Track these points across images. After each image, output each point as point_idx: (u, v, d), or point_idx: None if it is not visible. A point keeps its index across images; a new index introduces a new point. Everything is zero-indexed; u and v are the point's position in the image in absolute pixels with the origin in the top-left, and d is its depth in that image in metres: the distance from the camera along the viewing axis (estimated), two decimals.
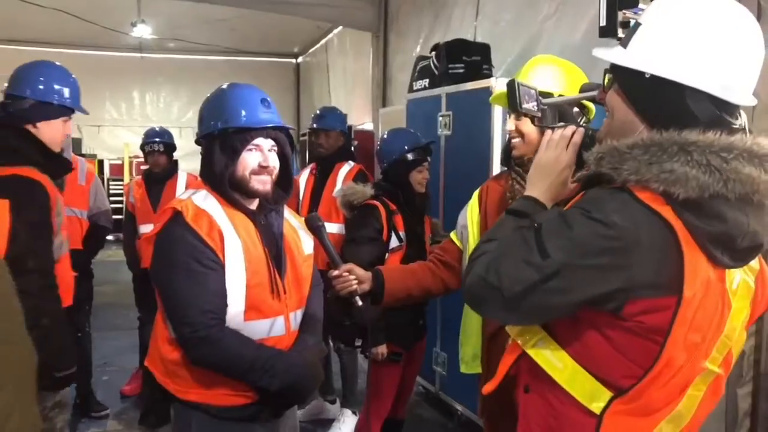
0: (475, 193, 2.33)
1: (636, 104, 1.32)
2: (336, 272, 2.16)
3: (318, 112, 4.52)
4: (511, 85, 1.66)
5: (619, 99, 1.35)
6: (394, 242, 3.22)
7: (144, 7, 9.40)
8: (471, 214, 2.28)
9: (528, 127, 2.08)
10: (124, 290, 5.76)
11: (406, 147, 3.31)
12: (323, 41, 10.83)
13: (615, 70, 1.36)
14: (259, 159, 2.04)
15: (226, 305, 1.95)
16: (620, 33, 1.47)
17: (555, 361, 1.37)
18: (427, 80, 4.87)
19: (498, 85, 3.69)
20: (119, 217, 11.62)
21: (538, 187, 1.54)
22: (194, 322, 1.90)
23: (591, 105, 2.15)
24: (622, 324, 1.27)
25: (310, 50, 11.97)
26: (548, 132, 1.56)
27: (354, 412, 4.27)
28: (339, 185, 4.21)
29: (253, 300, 1.99)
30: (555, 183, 1.53)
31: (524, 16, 4.96)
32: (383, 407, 3.34)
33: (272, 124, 2.04)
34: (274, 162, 2.07)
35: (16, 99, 2.53)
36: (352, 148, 4.78)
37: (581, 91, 1.76)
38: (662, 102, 1.28)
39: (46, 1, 8.71)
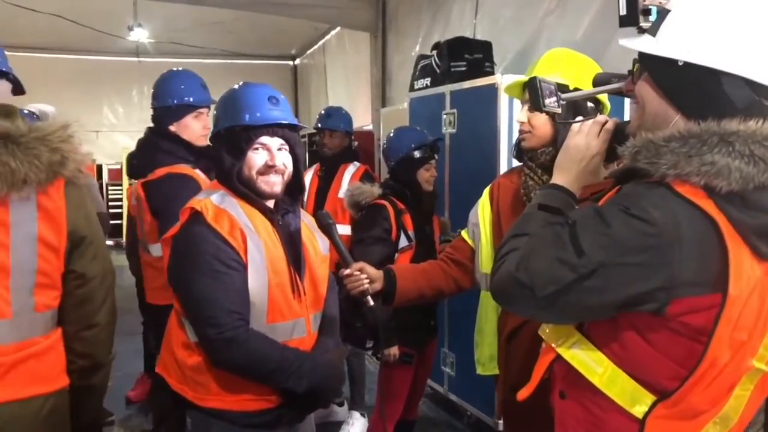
0: (486, 191, 2.29)
1: (669, 94, 1.28)
2: (347, 271, 2.12)
3: (323, 111, 4.49)
4: (533, 84, 1.62)
5: (650, 89, 1.31)
6: (403, 242, 3.18)
7: (140, 10, 9.33)
8: (482, 212, 2.24)
9: (539, 119, 2.05)
10: (125, 295, 5.69)
11: (412, 145, 3.28)
12: (321, 43, 10.78)
13: (645, 59, 1.32)
14: (265, 158, 2.00)
15: (249, 307, 1.92)
16: (642, 21, 1.43)
17: (593, 364, 1.33)
18: (429, 79, 4.86)
19: (504, 81, 3.65)
20: (118, 222, 11.61)
21: (566, 174, 1.51)
22: (220, 323, 1.86)
23: (605, 99, 2.12)
24: (664, 324, 1.23)
25: (308, 52, 11.91)
26: (575, 125, 1.53)
27: (363, 415, 4.23)
28: (345, 186, 4.18)
29: (275, 301, 1.96)
30: (585, 171, 1.49)
31: (524, 13, 4.94)
32: (396, 409, 3.30)
33: (278, 120, 1.99)
34: (284, 161, 2.02)
35: (156, 109, 3.09)
36: (353, 148, 4.74)
37: (595, 83, 1.72)
38: (697, 90, 1.24)
39: (42, 6, 8.65)
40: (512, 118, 3.65)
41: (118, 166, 12.42)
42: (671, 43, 1.26)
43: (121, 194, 11.27)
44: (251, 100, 2.01)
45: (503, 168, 3.68)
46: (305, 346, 2.04)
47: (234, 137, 1.97)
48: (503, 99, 3.68)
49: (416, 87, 4.98)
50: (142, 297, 4.79)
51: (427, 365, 3.49)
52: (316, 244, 2.17)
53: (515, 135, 3.67)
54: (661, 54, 1.27)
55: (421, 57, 5.13)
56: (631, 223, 1.20)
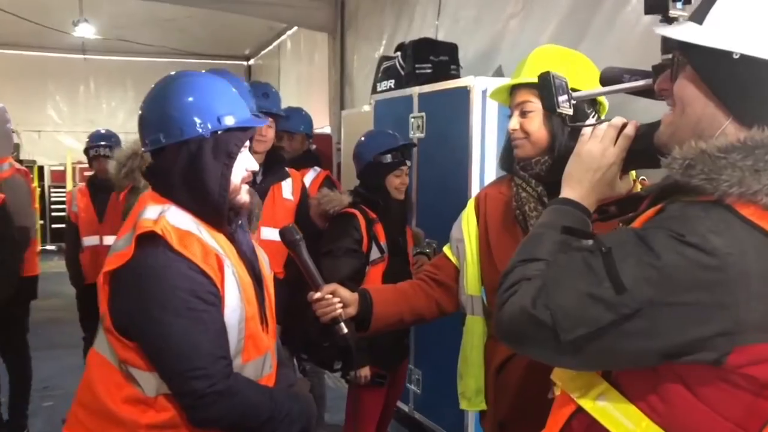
0: (471, 202, 2.06)
1: (720, 94, 1.06)
2: (317, 294, 1.86)
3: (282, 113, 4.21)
4: (546, 80, 1.39)
5: (694, 88, 1.08)
6: (375, 253, 2.95)
7: (86, 5, 8.96)
8: (467, 226, 2.01)
9: (533, 124, 1.83)
10: (66, 305, 5.37)
11: (381, 149, 3.04)
12: (276, 43, 10.56)
13: (688, 52, 1.09)
14: (246, 163, 1.70)
15: (229, 347, 1.61)
16: (672, 8, 1.21)
17: (625, 421, 1.08)
18: (393, 81, 4.71)
19: (477, 84, 3.46)
20: (60, 226, 11.14)
21: (578, 186, 1.29)
22: (211, 374, 1.53)
23: (604, 100, 1.91)
24: (721, 376, 1.00)
25: (262, 52, 11.69)
26: (586, 129, 1.31)
27: None
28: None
29: (250, 336, 1.65)
30: (600, 182, 1.28)
31: (487, 15, 4.82)
32: None
33: (266, 121, 1.75)
34: (256, 164, 1.75)
35: None
36: (312, 152, 4.50)
37: (603, 80, 1.50)
38: (756, 89, 1.03)
39: None
40: (485, 122, 3.47)
41: (62, 168, 11.90)
42: (723, 31, 1.04)
43: (65, 197, 10.76)
44: (228, 95, 1.69)
45: (475, 175, 3.49)
46: (271, 381, 1.77)
47: (220, 141, 1.63)
48: (476, 102, 3.48)
49: (379, 89, 4.81)
50: (83, 310, 4.49)
51: (398, 386, 3.28)
52: (264, 261, 1.87)
53: (488, 140, 3.55)
54: (711, 45, 1.05)
55: (384, 58, 4.99)
56: (685, 252, 0.98)
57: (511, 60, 4.38)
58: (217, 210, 1.64)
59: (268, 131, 3.21)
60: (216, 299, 1.57)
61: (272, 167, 3.37)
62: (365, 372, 2.95)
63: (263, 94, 3.36)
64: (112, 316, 1.59)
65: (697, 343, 0.99)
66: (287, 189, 3.37)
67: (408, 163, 3.10)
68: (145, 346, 1.56)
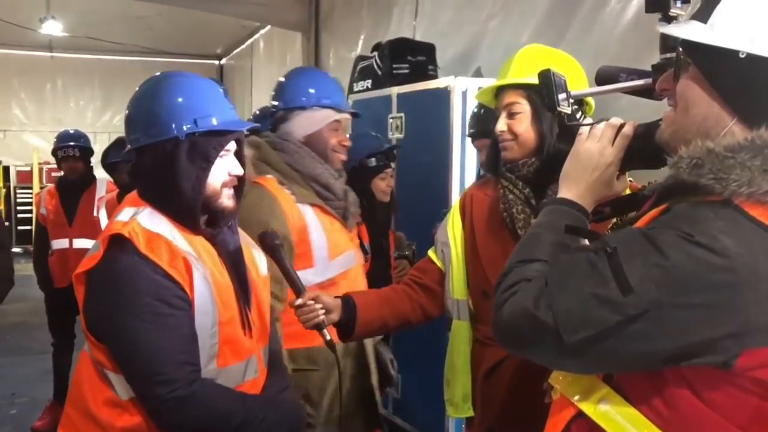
0: (456, 204, 2.02)
1: (725, 94, 1.03)
2: (299, 301, 1.81)
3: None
4: (547, 77, 1.35)
5: (698, 88, 1.06)
6: None
7: (53, 2, 8.76)
8: (452, 229, 1.97)
9: (521, 125, 1.79)
10: (35, 309, 5.23)
11: (367, 152, 3.02)
12: (249, 42, 10.44)
13: (693, 51, 1.06)
14: (228, 167, 1.67)
15: (199, 352, 1.58)
16: (674, 8, 1.19)
17: (627, 425, 1.04)
18: (370, 81, 4.65)
19: (458, 84, 3.42)
20: (27, 228, 10.93)
21: (575, 186, 1.25)
22: (173, 379, 1.51)
23: (591, 100, 1.88)
24: (729, 380, 0.97)
25: (234, 52, 11.55)
26: (584, 128, 1.28)
27: None
28: None
29: (226, 340, 1.62)
30: (597, 182, 1.25)
31: (465, 16, 4.78)
32: None
33: (249, 124, 1.73)
34: (242, 170, 1.71)
35: None
36: None
37: (600, 79, 1.48)
38: (764, 88, 1.00)
39: None
40: (465, 123, 3.43)
41: (28, 168, 11.64)
42: (729, 30, 1.02)
43: (31, 198, 10.52)
44: (211, 97, 1.67)
45: (456, 176, 3.45)
46: (257, 387, 1.73)
47: (197, 144, 1.61)
48: (456, 103, 3.45)
49: (355, 89, 4.74)
50: (52, 314, 4.37)
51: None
52: (257, 264, 1.85)
53: (469, 141, 3.51)
54: (717, 44, 1.02)
55: (361, 58, 4.93)
56: (694, 252, 0.95)
57: (490, 61, 4.36)
58: (188, 213, 1.62)
59: None
60: (184, 303, 1.55)
61: None
62: None
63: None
64: (86, 318, 1.60)
65: (705, 346, 0.96)
66: None
67: (392, 165, 3.06)
68: (111, 349, 1.57)
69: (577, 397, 1.12)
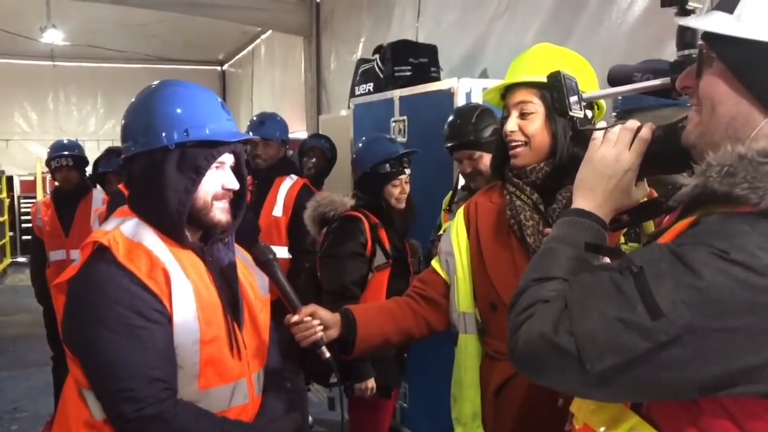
0: (460, 213, 1.92)
1: (756, 89, 0.93)
2: (296, 317, 1.71)
3: (255, 118, 4.05)
4: (557, 80, 1.26)
5: (724, 85, 0.96)
6: (379, 259, 2.82)
7: (54, 10, 8.70)
8: (457, 239, 1.87)
9: (534, 127, 1.69)
10: (37, 320, 5.14)
11: (378, 159, 2.92)
12: (250, 47, 10.40)
13: (718, 44, 0.97)
14: (223, 180, 1.60)
15: (176, 370, 1.49)
16: (691, 0, 1.09)
17: None
18: (372, 84, 4.60)
19: (461, 86, 3.34)
20: (31, 237, 10.88)
21: (591, 195, 1.16)
22: (140, 397, 1.42)
23: (602, 103, 1.78)
24: None
25: (236, 57, 11.50)
26: (597, 133, 1.18)
27: None
28: (280, 203, 3.80)
29: (209, 360, 1.53)
30: (615, 190, 1.16)
31: (470, 16, 4.70)
32: None
33: (245, 136, 1.63)
34: (237, 184, 1.64)
35: None
36: (289, 159, 4.36)
37: (612, 80, 1.38)
38: None
39: None
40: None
41: (32, 178, 11.60)
42: (760, 21, 0.92)
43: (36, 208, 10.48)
44: (206, 107, 1.60)
45: (460, 181, 3.34)
46: (248, 414, 1.62)
47: (188, 153, 1.54)
48: (460, 105, 3.35)
49: (357, 93, 4.69)
50: (50, 328, 4.29)
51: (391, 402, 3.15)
52: (255, 284, 1.75)
53: None
54: (746, 36, 0.93)
55: (362, 61, 4.88)
56: (731, 271, 0.85)
57: (496, 62, 4.28)
58: (173, 225, 1.55)
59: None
60: (161, 317, 1.47)
61: None
62: (370, 384, 2.81)
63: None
64: (62, 330, 1.53)
65: (746, 373, 0.87)
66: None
67: (407, 171, 2.96)
68: (81, 362, 1.49)
69: (602, 428, 1.03)
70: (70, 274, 1.51)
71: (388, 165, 2.91)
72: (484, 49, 4.54)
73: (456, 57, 4.76)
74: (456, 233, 1.88)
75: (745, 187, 0.89)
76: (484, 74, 4.31)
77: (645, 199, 1.26)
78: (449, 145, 2.89)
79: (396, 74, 4.34)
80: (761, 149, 0.90)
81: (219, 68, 12.70)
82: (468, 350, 1.83)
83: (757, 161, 0.89)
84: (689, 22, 1.04)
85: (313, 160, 4.36)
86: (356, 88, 4.78)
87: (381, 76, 4.48)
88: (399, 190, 2.92)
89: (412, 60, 4.40)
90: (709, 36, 0.98)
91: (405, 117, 3.87)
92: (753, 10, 0.93)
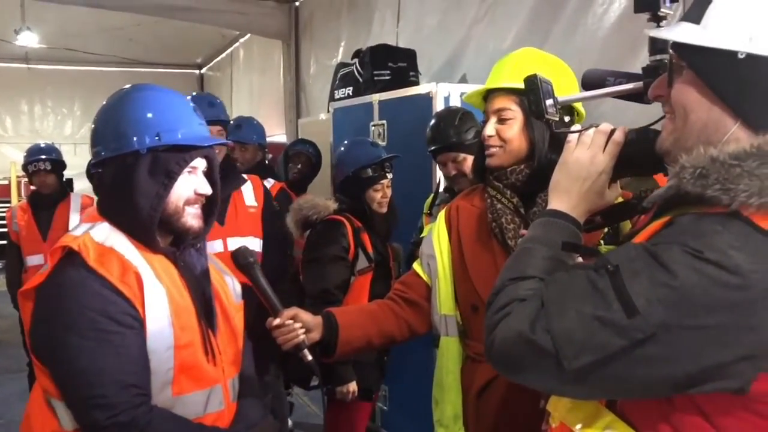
0: (441, 215, 1.93)
1: (726, 96, 0.96)
2: (277, 321, 1.71)
3: (232, 121, 4.05)
4: (533, 83, 1.28)
5: (695, 93, 0.99)
6: (362, 263, 2.82)
7: (29, 13, 8.59)
8: (438, 241, 1.88)
9: (511, 131, 1.72)
10: (12, 326, 5.10)
11: (360, 163, 2.92)
12: (229, 50, 10.37)
13: (688, 54, 1.00)
14: (194, 185, 1.58)
15: (149, 375, 1.46)
16: (663, 7, 1.13)
17: None
18: (351, 88, 4.63)
19: (440, 90, 3.36)
20: (5, 242, 10.71)
21: (566, 196, 1.19)
22: (113, 403, 1.39)
23: (581, 108, 1.81)
24: (745, 406, 0.91)
25: (215, 60, 11.46)
26: (572, 135, 1.21)
27: None
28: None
29: (183, 366, 1.51)
30: (590, 191, 1.18)
31: (450, 21, 4.74)
32: None
33: (218, 141, 1.64)
34: (209, 189, 1.62)
35: None
36: (267, 163, 4.36)
37: (586, 84, 1.41)
38: (766, 89, 0.94)
39: None
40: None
41: (6, 182, 11.43)
42: (725, 29, 0.96)
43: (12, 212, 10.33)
44: (177, 112, 1.58)
45: (442, 183, 3.37)
46: (224, 420, 1.61)
47: (160, 158, 1.53)
48: (439, 109, 3.38)
49: (337, 96, 4.71)
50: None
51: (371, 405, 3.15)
52: (227, 289, 1.75)
53: None
54: (715, 46, 0.96)
55: (342, 65, 4.90)
56: (705, 270, 0.88)
57: (475, 67, 4.31)
58: (144, 230, 1.53)
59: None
60: (134, 321, 1.45)
61: (227, 176, 3.23)
62: (352, 387, 2.80)
63: (208, 104, 3.25)
64: (30, 338, 1.48)
65: (717, 370, 0.89)
66: (249, 195, 3.23)
67: (389, 176, 2.97)
68: (51, 370, 1.45)
69: (579, 426, 1.05)
70: (38, 280, 1.47)
71: (370, 169, 2.91)
72: (463, 53, 4.58)
73: (436, 61, 4.80)
74: (437, 236, 1.90)
75: (717, 188, 0.91)
76: (463, 79, 4.34)
77: (620, 200, 1.29)
78: (433, 148, 2.91)
79: (375, 78, 4.37)
80: (732, 152, 0.93)
81: (198, 72, 12.64)
82: (449, 352, 1.84)
83: (728, 163, 0.92)
84: (659, 33, 1.07)
85: (299, 165, 4.35)
86: (335, 92, 4.80)
87: (360, 80, 4.51)
88: (381, 195, 2.92)
89: (391, 64, 4.43)
90: (678, 46, 1.01)
91: (384, 121, 3.89)
92: (718, 20, 0.97)
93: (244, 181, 3.21)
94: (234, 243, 3.04)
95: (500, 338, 1.02)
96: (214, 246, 2.90)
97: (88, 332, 1.41)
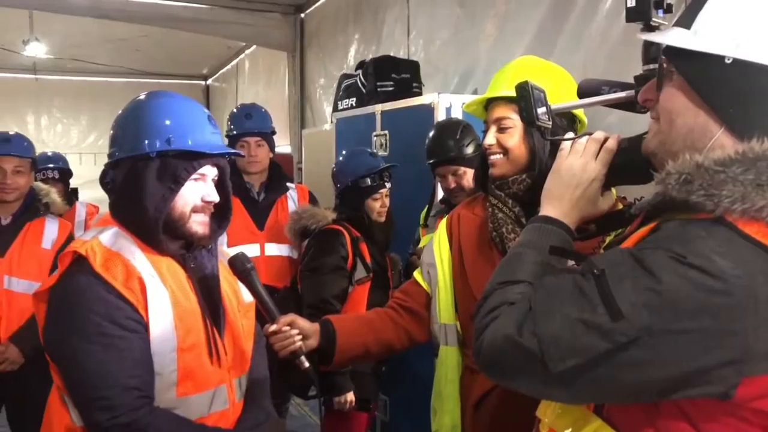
0: (442, 224, 1.94)
1: (712, 101, 0.97)
2: (273, 327, 1.72)
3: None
4: (525, 90, 1.29)
5: (682, 97, 1.00)
6: (360, 272, 2.84)
7: (37, 24, 8.65)
8: (439, 250, 1.89)
9: (512, 140, 1.72)
10: None
11: (359, 172, 2.93)
12: (234, 62, 10.41)
13: (676, 58, 1.01)
14: (202, 192, 1.62)
15: (153, 378, 1.51)
16: (655, 15, 1.14)
17: None
18: (354, 99, 4.64)
19: (441, 101, 3.37)
20: None
21: (558, 203, 1.20)
22: (115, 405, 1.44)
23: (582, 114, 1.82)
24: (729, 411, 0.91)
25: (220, 71, 11.51)
26: (565, 143, 1.22)
27: None
28: None
29: (187, 368, 1.55)
30: (582, 199, 1.20)
31: (462, 34, 4.74)
32: None
33: (227, 150, 1.66)
34: (217, 197, 1.65)
35: None
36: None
37: (582, 93, 1.41)
38: (752, 95, 0.95)
39: None
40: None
41: None
42: (714, 35, 0.96)
43: None
44: (191, 119, 1.63)
45: (441, 194, 3.37)
46: (228, 420, 1.64)
47: (168, 163, 1.57)
48: (440, 119, 3.39)
49: (340, 107, 4.72)
50: None
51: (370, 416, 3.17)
52: (238, 290, 1.78)
53: None
54: (702, 50, 0.97)
55: (345, 76, 4.91)
56: (688, 275, 0.88)
57: (485, 81, 4.30)
58: (150, 232, 1.57)
59: (257, 151, 3.27)
60: (138, 326, 1.50)
61: (274, 183, 3.37)
62: (350, 397, 2.81)
63: (246, 116, 3.28)
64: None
65: (701, 374, 0.89)
66: (292, 201, 3.33)
67: (388, 185, 2.98)
68: (60, 371, 1.52)
69: (567, 431, 1.05)
70: (49, 283, 1.54)
71: (369, 179, 2.93)
72: (474, 65, 4.59)
73: (451, 75, 4.79)
74: (438, 244, 1.90)
75: (701, 194, 0.92)
76: (475, 92, 4.36)
77: (618, 207, 1.29)
78: (432, 161, 2.91)
79: (378, 89, 4.37)
80: (717, 158, 0.93)
81: (203, 83, 12.68)
82: (449, 362, 1.84)
83: (713, 170, 0.92)
84: (650, 37, 1.08)
85: None
86: (339, 102, 4.81)
87: (364, 91, 4.52)
88: (380, 204, 2.94)
89: (394, 75, 4.44)
90: (668, 50, 1.02)
91: (386, 131, 3.90)
92: (708, 25, 0.97)
93: (286, 188, 3.32)
94: (271, 249, 3.19)
95: (488, 341, 1.03)
96: (251, 250, 2.97)
97: (94, 336, 1.46)
